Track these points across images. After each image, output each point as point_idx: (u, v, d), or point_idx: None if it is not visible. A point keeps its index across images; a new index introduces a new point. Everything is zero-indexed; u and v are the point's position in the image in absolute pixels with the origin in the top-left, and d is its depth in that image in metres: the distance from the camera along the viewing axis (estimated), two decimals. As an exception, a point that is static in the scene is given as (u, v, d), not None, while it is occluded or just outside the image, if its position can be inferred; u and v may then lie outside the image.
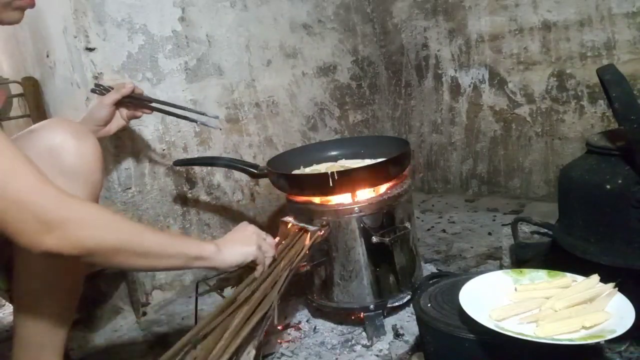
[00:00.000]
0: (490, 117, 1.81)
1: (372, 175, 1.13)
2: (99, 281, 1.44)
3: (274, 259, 1.03)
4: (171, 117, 1.34)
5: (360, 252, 1.12)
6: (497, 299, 0.85)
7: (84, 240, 0.74)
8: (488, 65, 1.77)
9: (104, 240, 0.76)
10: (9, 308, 1.54)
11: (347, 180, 1.12)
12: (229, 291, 1.04)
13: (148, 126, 1.42)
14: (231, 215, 1.60)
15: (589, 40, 1.52)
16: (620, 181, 0.87)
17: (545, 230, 1.20)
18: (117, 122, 1.22)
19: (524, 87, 1.70)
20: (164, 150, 1.46)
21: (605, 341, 0.80)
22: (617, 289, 0.81)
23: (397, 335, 1.12)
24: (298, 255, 1.06)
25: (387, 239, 1.08)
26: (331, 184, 1.09)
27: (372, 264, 1.13)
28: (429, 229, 1.69)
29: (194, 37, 1.50)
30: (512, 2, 1.65)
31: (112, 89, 1.20)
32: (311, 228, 1.12)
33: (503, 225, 1.55)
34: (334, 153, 1.40)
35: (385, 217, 1.13)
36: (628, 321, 0.73)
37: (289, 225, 1.18)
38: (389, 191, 1.16)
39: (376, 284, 1.14)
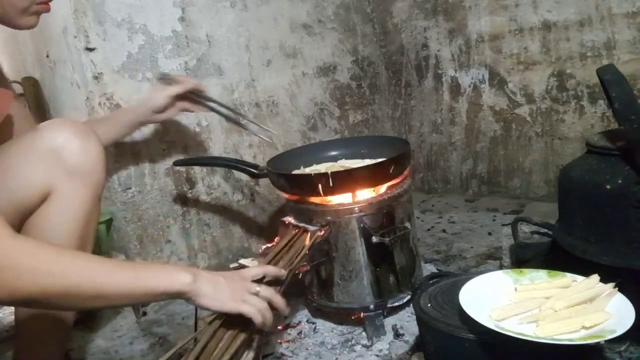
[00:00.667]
0: (490, 117, 1.81)
1: (372, 175, 1.13)
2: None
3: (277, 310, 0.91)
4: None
5: (360, 252, 1.12)
6: (497, 299, 0.85)
7: (22, 288, 0.67)
8: (488, 65, 1.77)
9: (47, 286, 0.68)
10: (9, 308, 1.54)
11: (347, 180, 1.12)
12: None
13: (148, 126, 1.42)
14: (231, 215, 1.60)
15: (589, 40, 1.52)
16: (620, 181, 0.87)
17: (545, 230, 1.20)
18: (170, 113, 1.27)
19: (524, 87, 1.70)
20: (164, 150, 1.46)
21: (605, 341, 0.80)
22: (617, 289, 0.81)
23: (397, 335, 1.12)
24: (298, 255, 1.06)
25: (387, 239, 1.08)
26: (331, 184, 1.09)
27: (372, 264, 1.13)
28: (429, 229, 1.69)
29: (194, 37, 1.50)
30: (512, 2, 1.65)
31: (177, 80, 1.24)
32: (311, 228, 1.12)
33: (503, 225, 1.55)
34: (334, 153, 1.40)
35: (385, 217, 1.13)
36: (628, 321, 0.73)
37: (289, 225, 1.18)
38: (389, 191, 1.16)
39: (376, 284, 1.14)
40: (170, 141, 1.46)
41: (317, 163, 1.37)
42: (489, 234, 1.56)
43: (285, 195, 1.24)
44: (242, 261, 1.16)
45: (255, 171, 1.32)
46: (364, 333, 1.15)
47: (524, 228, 1.24)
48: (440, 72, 1.91)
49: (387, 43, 2.04)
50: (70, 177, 0.90)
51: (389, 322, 1.17)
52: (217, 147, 1.55)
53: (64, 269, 0.71)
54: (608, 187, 0.88)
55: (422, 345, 0.94)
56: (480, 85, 1.80)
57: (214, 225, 1.56)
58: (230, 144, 1.59)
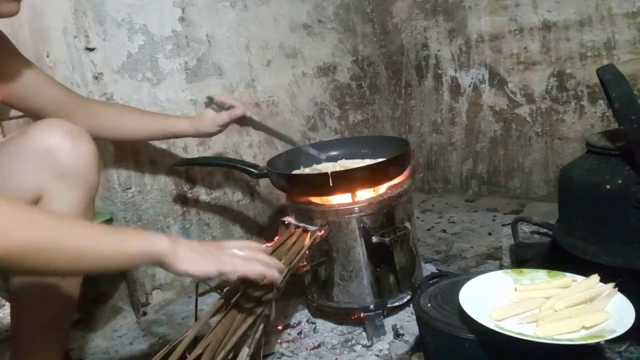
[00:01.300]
0: (490, 117, 1.81)
1: (372, 175, 1.13)
2: (99, 281, 1.44)
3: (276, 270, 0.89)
4: None
5: (360, 252, 1.12)
6: (497, 299, 0.85)
7: None
8: (488, 65, 1.77)
9: (19, 240, 0.64)
10: (9, 308, 1.54)
11: (347, 180, 1.12)
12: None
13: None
14: (231, 215, 1.60)
15: (589, 40, 1.52)
16: (620, 181, 0.87)
17: (545, 230, 1.20)
18: (221, 130, 1.29)
19: (524, 87, 1.70)
20: (164, 150, 1.45)
21: (605, 341, 0.80)
22: (617, 289, 0.81)
23: (397, 335, 1.12)
24: (298, 255, 1.06)
25: (387, 239, 1.08)
26: (331, 184, 1.09)
27: (372, 264, 1.13)
28: (429, 229, 1.69)
29: (194, 37, 1.50)
30: (512, 2, 1.65)
31: (225, 105, 1.25)
32: (311, 228, 1.12)
33: (503, 225, 1.55)
34: (334, 153, 1.39)
35: (385, 217, 1.13)
36: (628, 321, 0.73)
37: (289, 225, 1.18)
38: (389, 191, 1.16)
39: (376, 284, 1.14)
40: (170, 141, 1.46)
41: (317, 163, 1.37)
42: (489, 234, 1.56)
43: (285, 195, 1.24)
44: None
45: (255, 171, 1.32)
46: (364, 333, 1.15)
47: (524, 228, 1.24)
48: (440, 72, 1.91)
49: (387, 43, 2.04)
50: (62, 179, 0.89)
51: (389, 322, 1.17)
52: (217, 147, 1.55)
53: (39, 221, 0.67)
54: (608, 187, 0.87)
55: (422, 345, 0.94)
56: (480, 85, 1.80)
57: (214, 225, 1.56)
58: (230, 144, 1.59)
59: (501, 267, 1.25)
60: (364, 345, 1.11)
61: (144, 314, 1.42)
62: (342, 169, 1.25)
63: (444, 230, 1.66)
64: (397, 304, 1.16)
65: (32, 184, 0.88)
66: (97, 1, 1.32)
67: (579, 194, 0.94)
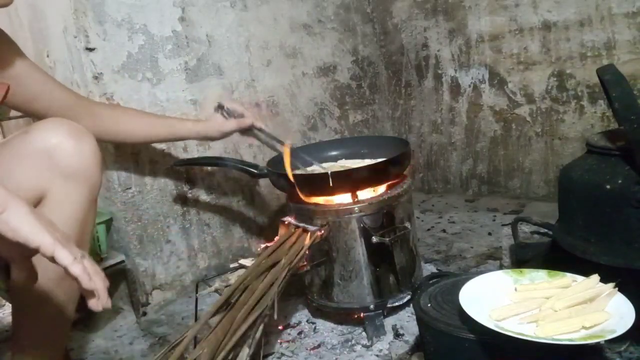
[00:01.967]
0: (490, 117, 1.81)
1: (372, 175, 1.13)
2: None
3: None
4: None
5: (360, 252, 1.12)
6: (497, 299, 0.85)
7: None
8: (488, 65, 1.77)
9: None
10: (9, 308, 1.54)
11: (347, 180, 1.12)
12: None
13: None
14: (231, 215, 1.60)
15: (589, 40, 1.52)
16: (620, 181, 0.87)
17: (545, 230, 1.20)
18: (222, 137, 1.32)
19: (524, 87, 1.70)
20: (164, 150, 1.45)
21: (605, 341, 0.80)
22: (617, 289, 0.81)
23: (397, 335, 1.12)
24: (298, 255, 1.06)
25: (387, 239, 1.08)
26: (331, 184, 1.09)
27: (372, 264, 1.13)
28: (429, 229, 1.69)
29: (194, 37, 1.50)
30: (512, 2, 1.65)
31: (235, 113, 1.28)
32: (311, 228, 1.12)
33: (503, 225, 1.55)
34: (334, 153, 1.40)
35: (385, 217, 1.13)
36: (628, 321, 0.73)
37: (289, 225, 1.18)
38: (389, 191, 1.16)
39: (376, 284, 1.14)
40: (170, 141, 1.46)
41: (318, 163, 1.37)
42: (489, 234, 1.56)
43: (285, 195, 1.24)
44: (242, 261, 1.16)
45: (255, 171, 1.32)
46: (364, 333, 1.15)
47: (524, 228, 1.24)
48: (440, 72, 1.91)
49: (387, 43, 2.04)
50: (64, 179, 0.88)
51: (389, 322, 1.17)
52: (217, 147, 1.55)
53: None
54: (608, 187, 0.87)
55: (422, 345, 0.94)
56: (480, 85, 1.80)
57: (214, 225, 1.56)
58: (230, 144, 1.59)
59: (501, 267, 1.25)
60: (364, 345, 1.11)
61: (144, 314, 1.42)
62: (342, 168, 1.26)
63: (444, 230, 1.66)
64: (397, 304, 1.16)
65: (34, 183, 0.88)
66: (97, 1, 1.32)
67: (579, 194, 0.94)
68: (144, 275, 1.42)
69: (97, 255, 1.36)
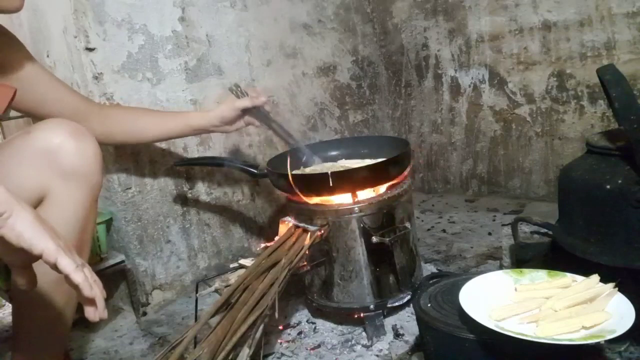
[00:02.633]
0: (490, 117, 1.81)
1: (372, 175, 1.13)
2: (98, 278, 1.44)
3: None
4: None
5: (360, 252, 1.12)
6: (497, 299, 0.85)
7: None
8: (488, 65, 1.77)
9: None
10: (8, 308, 1.54)
11: (347, 180, 1.12)
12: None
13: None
14: (231, 215, 1.60)
15: (589, 40, 1.52)
16: (620, 181, 0.87)
17: (545, 230, 1.20)
18: (238, 125, 1.28)
19: (524, 87, 1.70)
20: (164, 150, 1.46)
21: (605, 341, 0.80)
22: (617, 289, 0.81)
23: (397, 335, 1.12)
24: (298, 255, 1.06)
25: (387, 239, 1.08)
26: (331, 184, 1.09)
27: (372, 264, 1.13)
28: (429, 229, 1.69)
29: (194, 37, 1.50)
30: (512, 2, 1.65)
31: (247, 94, 1.27)
32: (311, 228, 1.12)
33: (503, 225, 1.55)
34: (334, 153, 1.39)
35: (385, 217, 1.13)
36: (628, 321, 0.73)
37: (289, 226, 1.18)
38: (389, 191, 1.16)
39: (376, 284, 1.14)
40: (170, 141, 1.46)
41: (318, 163, 1.37)
42: (489, 234, 1.56)
43: (286, 195, 1.24)
44: (242, 261, 1.16)
45: (255, 171, 1.32)
46: (364, 333, 1.15)
47: (524, 228, 1.24)
48: (440, 72, 1.91)
49: (387, 43, 2.04)
50: (66, 179, 0.88)
51: (389, 322, 1.17)
52: (217, 147, 1.55)
53: None
54: (608, 187, 0.87)
55: (422, 345, 0.94)
56: (480, 85, 1.80)
57: (214, 225, 1.56)
58: (230, 144, 1.59)
59: (501, 267, 1.25)
60: (364, 345, 1.11)
61: (144, 314, 1.42)
62: (342, 168, 1.26)
63: (444, 230, 1.66)
64: (397, 304, 1.16)
65: (35, 183, 0.88)
66: (97, 1, 1.32)
67: (579, 194, 0.94)
68: (144, 275, 1.42)
69: (97, 255, 1.36)
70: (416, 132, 2.05)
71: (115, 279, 1.45)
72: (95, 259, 1.34)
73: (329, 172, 1.10)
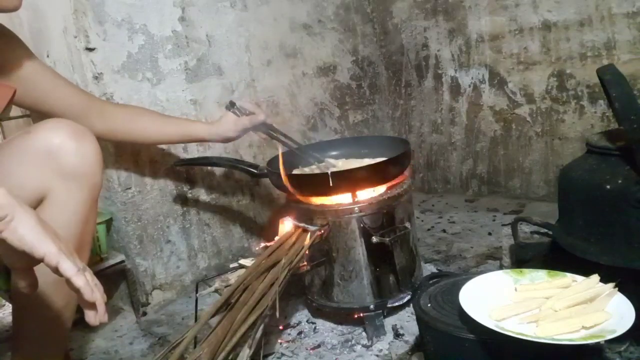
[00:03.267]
0: (490, 117, 1.81)
1: (372, 175, 1.13)
2: (99, 281, 1.44)
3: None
4: None
5: (360, 252, 1.12)
6: (497, 299, 0.85)
7: None
8: (488, 65, 1.77)
9: None
10: (8, 308, 1.54)
11: (347, 180, 1.12)
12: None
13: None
14: (231, 215, 1.60)
15: (589, 40, 1.52)
16: (620, 181, 0.87)
17: (545, 230, 1.20)
18: (237, 136, 1.29)
19: (524, 87, 1.70)
20: (164, 150, 1.46)
21: (605, 341, 0.80)
22: (617, 289, 0.81)
23: (397, 335, 1.12)
24: (298, 255, 1.06)
25: (387, 239, 1.08)
26: (331, 184, 1.09)
27: (372, 264, 1.13)
28: (429, 229, 1.69)
29: (194, 37, 1.50)
30: (512, 2, 1.65)
31: (247, 111, 1.26)
32: (311, 228, 1.12)
33: (503, 225, 1.55)
34: (334, 153, 1.39)
35: (385, 217, 1.13)
36: (628, 321, 0.73)
37: (289, 225, 1.18)
38: (389, 191, 1.16)
39: (376, 284, 1.14)
40: (170, 141, 1.46)
41: (318, 162, 1.36)
42: (489, 234, 1.56)
43: (285, 195, 1.24)
44: (242, 261, 1.16)
45: (255, 171, 1.32)
46: (364, 333, 1.15)
47: (524, 228, 1.24)
48: (440, 72, 1.91)
49: (387, 43, 2.04)
50: (66, 180, 0.88)
51: (389, 322, 1.17)
52: (217, 147, 1.55)
53: None
54: (608, 187, 0.87)
55: (422, 345, 0.94)
56: (480, 85, 1.80)
57: (214, 225, 1.56)
58: (230, 144, 1.58)
59: (501, 267, 1.25)
60: (364, 345, 1.11)
61: (144, 314, 1.42)
62: (342, 169, 1.26)
63: (444, 230, 1.66)
64: (397, 304, 1.16)
65: (35, 183, 0.88)
66: (97, 1, 1.32)
67: (579, 194, 0.94)
68: (144, 275, 1.42)
69: (97, 255, 1.36)
70: (416, 132, 2.05)
71: (115, 279, 1.45)
72: (95, 259, 1.34)
73: (329, 172, 1.10)
